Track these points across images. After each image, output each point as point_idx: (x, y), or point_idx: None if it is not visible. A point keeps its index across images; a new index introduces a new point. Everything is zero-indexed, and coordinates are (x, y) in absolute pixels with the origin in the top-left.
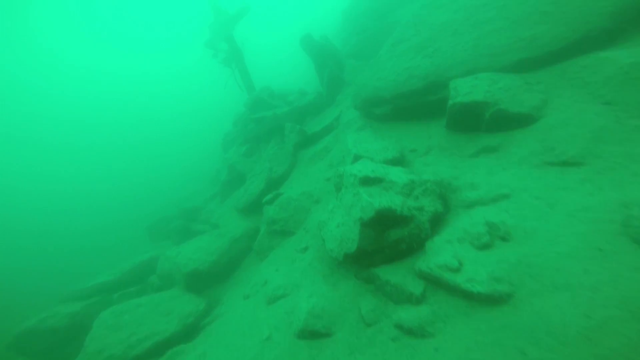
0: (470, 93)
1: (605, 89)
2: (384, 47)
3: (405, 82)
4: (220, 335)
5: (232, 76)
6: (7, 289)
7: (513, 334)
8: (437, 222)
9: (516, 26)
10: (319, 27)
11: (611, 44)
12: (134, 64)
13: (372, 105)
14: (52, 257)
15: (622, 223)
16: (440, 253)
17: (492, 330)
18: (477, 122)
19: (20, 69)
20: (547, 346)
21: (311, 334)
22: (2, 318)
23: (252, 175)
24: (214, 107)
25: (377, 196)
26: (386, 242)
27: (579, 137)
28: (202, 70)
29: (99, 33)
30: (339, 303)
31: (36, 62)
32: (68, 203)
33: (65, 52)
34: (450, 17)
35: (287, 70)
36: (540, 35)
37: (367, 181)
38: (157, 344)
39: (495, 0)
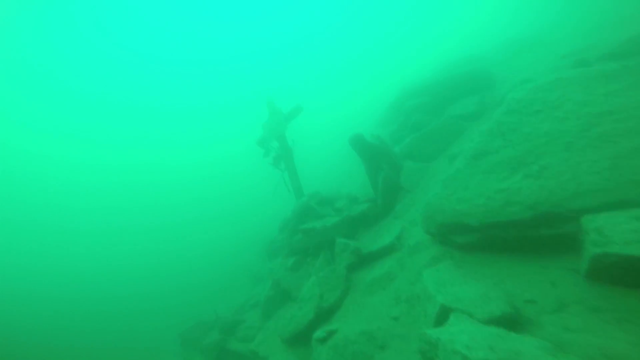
0: (634, 242)
1: None
2: (459, 160)
3: (501, 209)
4: None
5: (281, 179)
6: None
7: None
8: None
9: None
10: (361, 119)
11: None
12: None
13: (451, 233)
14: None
15: None
16: None
17: None
18: None
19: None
20: None
21: None
22: None
23: (300, 300)
24: (259, 203)
25: None
26: None
27: None
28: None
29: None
30: None
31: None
32: (102, 288)
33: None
34: (555, 126)
35: (329, 160)
36: None
37: None
38: None
39: (630, 107)
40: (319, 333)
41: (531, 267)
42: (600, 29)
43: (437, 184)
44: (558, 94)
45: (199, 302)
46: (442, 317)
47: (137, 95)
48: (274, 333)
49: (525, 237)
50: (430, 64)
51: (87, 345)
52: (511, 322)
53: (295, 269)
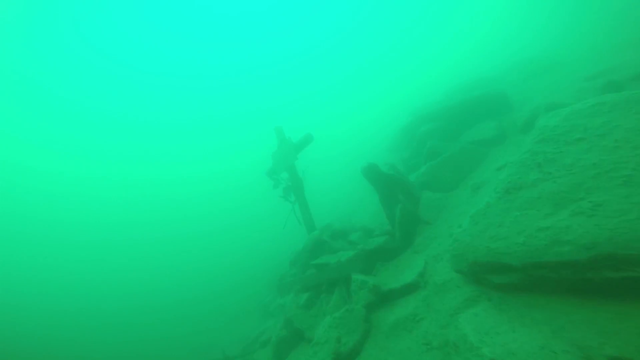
0: None
1: None
2: (489, 194)
3: (547, 248)
4: None
5: (292, 211)
6: None
7: None
8: None
9: None
10: (369, 137)
11: None
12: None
13: (486, 272)
14: None
15: None
16: None
17: None
18: None
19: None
20: None
21: None
22: None
23: (315, 343)
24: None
25: None
26: None
27: None
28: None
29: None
30: None
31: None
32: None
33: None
34: (605, 157)
35: (336, 184)
36: None
37: None
38: None
39: None
40: None
41: (601, 313)
42: (610, 51)
43: (463, 218)
44: (602, 120)
45: (204, 320)
46: None
47: (143, 109)
48: None
49: (584, 279)
50: (439, 83)
51: None
52: None
53: (308, 306)
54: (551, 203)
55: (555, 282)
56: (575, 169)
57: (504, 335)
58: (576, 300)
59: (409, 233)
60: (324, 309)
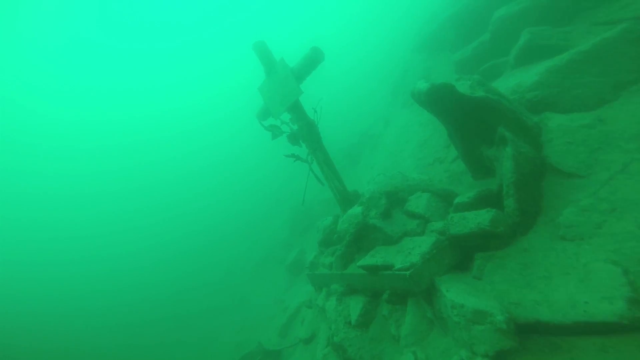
0: None
1: None
2: None
3: None
4: None
5: (309, 172)
6: None
7: None
8: None
9: None
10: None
11: None
12: None
13: None
14: None
15: None
16: None
17: None
18: None
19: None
20: None
21: None
22: None
23: None
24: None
25: None
26: None
27: None
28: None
29: None
30: None
31: None
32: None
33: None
34: None
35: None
36: None
37: None
38: None
39: None
40: None
41: None
42: None
43: None
44: None
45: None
46: None
47: None
48: None
49: None
50: None
51: None
52: None
53: (364, 324)
54: None
55: None
56: None
57: None
58: None
59: (532, 199)
60: (393, 332)
